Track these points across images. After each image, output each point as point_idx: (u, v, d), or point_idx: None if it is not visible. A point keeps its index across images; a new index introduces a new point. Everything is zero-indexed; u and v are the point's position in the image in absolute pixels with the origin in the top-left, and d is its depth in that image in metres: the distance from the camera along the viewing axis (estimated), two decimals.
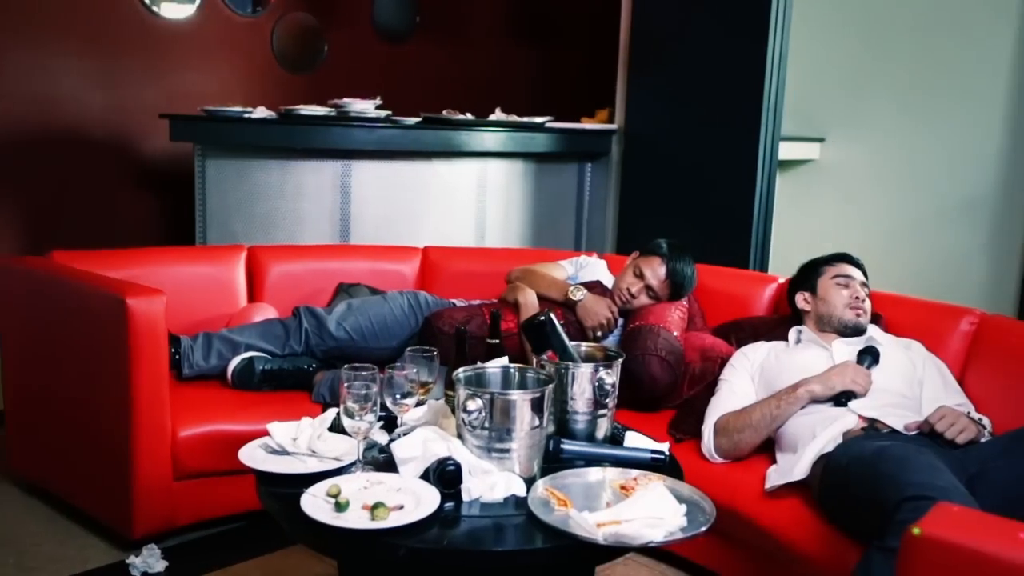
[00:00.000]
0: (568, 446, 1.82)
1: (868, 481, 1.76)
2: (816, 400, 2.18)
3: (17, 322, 2.71)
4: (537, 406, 1.69)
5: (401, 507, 1.56)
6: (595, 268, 3.01)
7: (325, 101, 3.72)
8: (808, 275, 2.56)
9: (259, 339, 2.73)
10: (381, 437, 1.87)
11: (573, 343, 1.97)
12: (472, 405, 1.68)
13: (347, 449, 1.79)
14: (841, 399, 2.16)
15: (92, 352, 2.45)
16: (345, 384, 1.68)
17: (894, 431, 2.05)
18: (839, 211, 4.40)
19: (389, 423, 1.88)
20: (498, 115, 4.01)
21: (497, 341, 2.01)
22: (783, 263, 3.22)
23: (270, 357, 2.69)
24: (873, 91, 4.23)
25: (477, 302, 2.90)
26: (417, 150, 3.77)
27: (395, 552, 1.49)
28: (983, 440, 2.00)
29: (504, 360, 1.91)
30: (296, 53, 5.11)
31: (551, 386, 1.75)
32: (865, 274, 2.53)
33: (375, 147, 3.64)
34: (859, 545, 1.78)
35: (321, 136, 3.57)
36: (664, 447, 1.90)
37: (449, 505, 1.61)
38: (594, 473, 1.76)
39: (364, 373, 1.71)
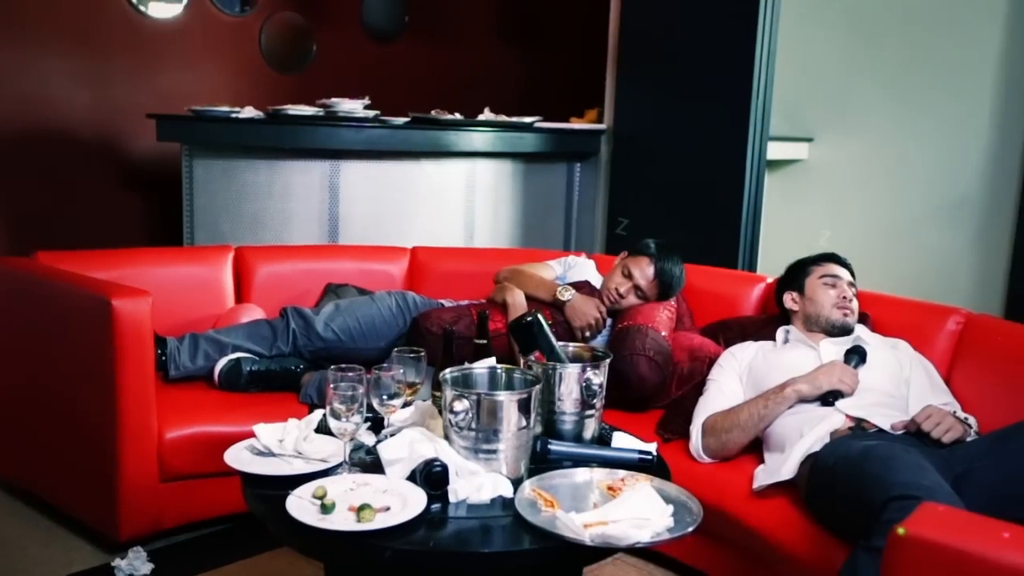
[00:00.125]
0: (555, 447, 1.81)
1: (854, 481, 1.77)
2: (804, 400, 2.19)
3: (1, 323, 2.69)
4: (524, 407, 1.69)
5: (387, 509, 1.56)
6: (583, 268, 3.01)
7: (313, 101, 3.71)
8: (796, 275, 2.56)
9: (246, 340, 2.71)
10: (368, 438, 1.86)
11: (561, 343, 1.97)
12: (459, 406, 1.67)
13: (333, 450, 1.78)
14: (828, 398, 2.17)
15: (77, 353, 2.43)
16: (331, 385, 1.67)
17: (881, 430, 2.05)
18: (827, 211, 4.41)
19: (376, 424, 1.87)
20: (487, 115, 4.00)
21: (485, 342, 2.01)
22: (772, 263, 3.22)
23: (257, 358, 2.68)
24: (861, 91, 4.25)
25: (466, 302, 2.90)
26: (406, 150, 3.76)
27: (381, 554, 1.48)
28: (969, 439, 2.00)
29: (492, 360, 1.91)
30: (284, 53, 5.09)
31: (538, 387, 1.74)
32: (852, 274, 2.53)
33: (363, 147, 3.63)
34: (846, 545, 1.78)
35: (309, 136, 3.56)
36: (652, 447, 1.90)
37: (436, 506, 1.60)
38: (581, 474, 1.76)
39: (351, 374, 1.70)
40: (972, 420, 2.14)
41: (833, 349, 2.34)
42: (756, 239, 3.72)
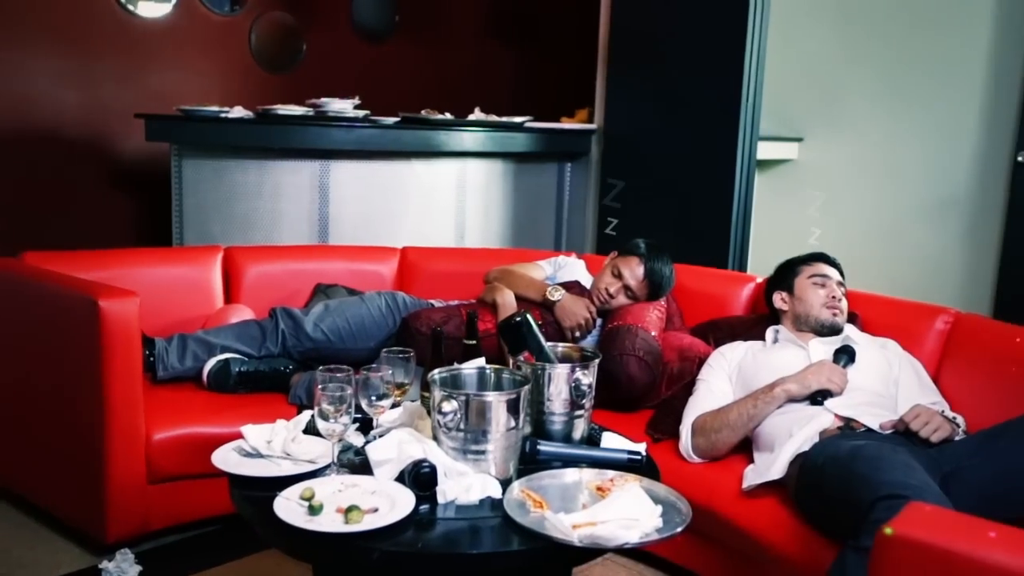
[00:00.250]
0: (544, 447, 1.81)
1: (843, 480, 1.77)
2: (793, 399, 2.19)
3: None
4: (513, 407, 1.69)
5: (376, 510, 1.55)
6: (574, 268, 3.01)
7: (303, 101, 3.70)
8: (785, 275, 2.57)
9: (235, 340, 2.70)
10: (356, 439, 1.85)
11: (550, 344, 1.96)
12: (447, 407, 1.66)
13: (322, 451, 1.77)
14: (817, 398, 2.17)
15: (64, 354, 2.42)
16: (320, 386, 1.66)
17: (869, 430, 2.06)
18: (817, 211, 4.42)
19: (364, 425, 1.86)
20: (477, 115, 4.00)
21: (474, 342, 2.00)
22: (762, 263, 3.23)
23: (246, 359, 2.67)
24: (851, 91, 4.26)
25: (456, 303, 2.89)
26: (396, 150, 3.76)
27: (369, 556, 1.48)
28: (957, 439, 2.01)
29: (481, 361, 1.90)
30: (274, 52, 5.08)
31: (527, 387, 1.74)
32: (842, 273, 2.54)
33: (354, 147, 3.62)
34: (835, 545, 1.78)
35: (299, 136, 3.55)
36: (641, 448, 1.89)
37: (424, 507, 1.60)
38: (570, 474, 1.75)
39: (339, 375, 1.69)
40: (960, 419, 2.15)
41: (822, 349, 2.35)
42: (746, 239, 3.72)
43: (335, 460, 1.71)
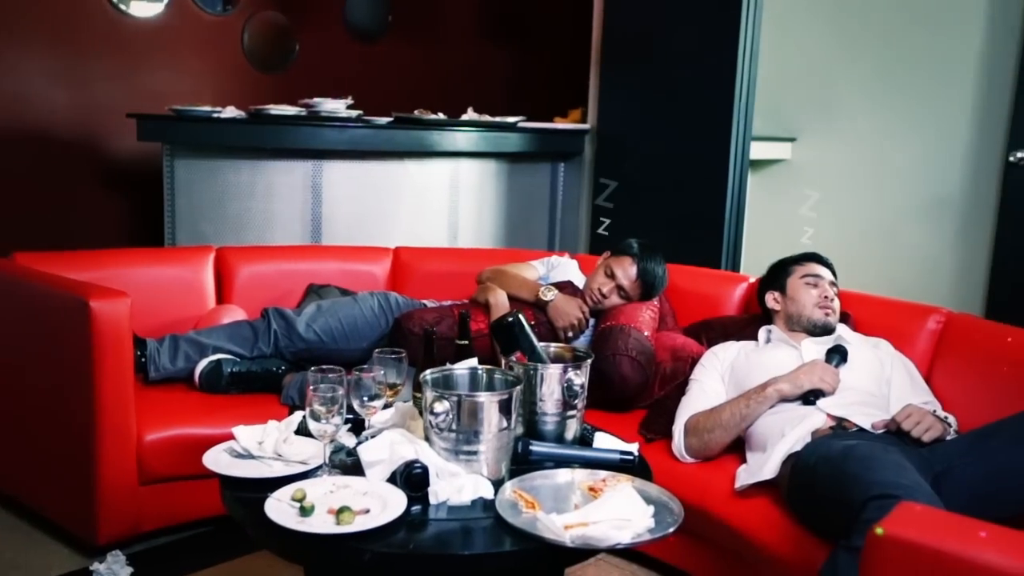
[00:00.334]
0: (536, 448, 1.81)
1: (835, 480, 1.77)
2: (785, 399, 2.19)
3: None
4: (505, 408, 1.68)
5: (367, 511, 1.55)
6: (566, 268, 3.01)
7: (296, 101, 3.69)
8: (777, 275, 2.57)
9: (227, 341, 2.69)
10: (348, 440, 1.85)
11: (542, 344, 1.96)
12: (439, 407, 1.66)
13: (313, 452, 1.77)
14: (809, 398, 2.17)
15: (55, 355, 2.41)
16: (311, 387, 1.66)
17: (861, 430, 2.06)
18: (810, 210, 4.42)
19: (356, 426, 1.86)
20: (470, 115, 3.99)
21: (467, 342, 2.00)
22: (754, 263, 3.23)
23: (238, 359, 2.66)
24: (844, 91, 4.26)
25: (448, 303, 2.89)
26: (389, 150, 3.75)
27: (361, 557, 1.47)
28: (949, 438, 2.02)
29: (473, 361, 1.90)
30: (267, 52, 5.06)
31: (519, 387, 1.74)
32: (834, 273, 2.54)
33: (346, 147, 3.62)
34: (827, 544, 1.78)
35: (292, 136, 3.54)
36: (633, 448, 1.89)
37: (416, 508, 1.60)
38: (563, 475, 1.75)
39: (331, 375, 1.69)
40: (952, 419, 2.15)
41: (815, 348, 2.35)
42: (739, 239, 3.73)
43: (327, 461, 1.71)
